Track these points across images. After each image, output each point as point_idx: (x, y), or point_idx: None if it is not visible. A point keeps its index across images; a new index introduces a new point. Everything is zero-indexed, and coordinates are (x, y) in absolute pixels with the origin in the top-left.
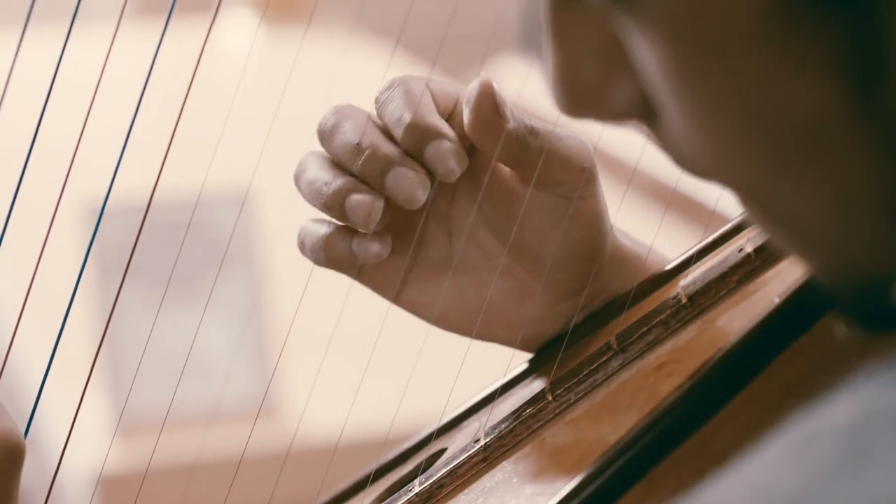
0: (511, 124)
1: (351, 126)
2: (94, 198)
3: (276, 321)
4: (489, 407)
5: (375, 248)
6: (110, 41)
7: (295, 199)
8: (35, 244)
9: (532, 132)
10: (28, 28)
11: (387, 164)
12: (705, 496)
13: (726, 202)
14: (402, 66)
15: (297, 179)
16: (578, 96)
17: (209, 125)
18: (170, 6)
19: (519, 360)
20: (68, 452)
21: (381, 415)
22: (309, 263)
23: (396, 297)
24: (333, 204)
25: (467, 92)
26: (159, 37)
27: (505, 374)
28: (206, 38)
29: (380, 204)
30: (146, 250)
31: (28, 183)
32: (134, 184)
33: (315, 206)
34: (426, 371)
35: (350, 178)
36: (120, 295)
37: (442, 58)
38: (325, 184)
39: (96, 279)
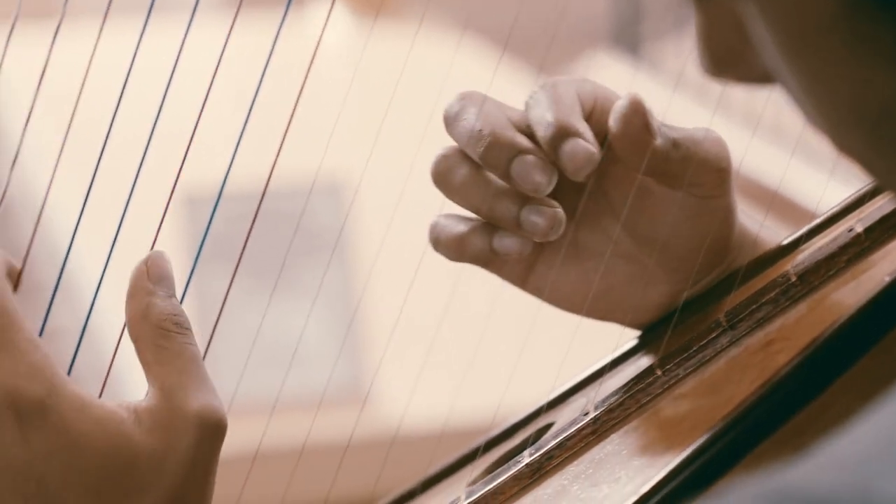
0: (658, 141)
1: (474, 112)
2: (193, 187)
3: (372, 309)
4: (598, 382)
5: (517, 245)
6: (226, 32)
7: (389, 188)
8: (136, 233)
9: (675, 145)
10: (149, 20)
11: (510, 152)
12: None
13: (827, 202)
14: (492, 60)
15: (437, 173)
16: (720, 60)
17: (307, 117)
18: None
19: (625, 337)
20: None
21: (477, 403)
22: (404, 252)
23: (523, 283)
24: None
25: (617, 103)
26: (261, 29)
27: (614, 350)
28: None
29: (563, 215)
30: (238, 238)
31: (130, 172)
32: (231, 174)
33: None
34: (520, 360)
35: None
36: (218, 283)
37: (533, 53)
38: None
39: (198, 267)
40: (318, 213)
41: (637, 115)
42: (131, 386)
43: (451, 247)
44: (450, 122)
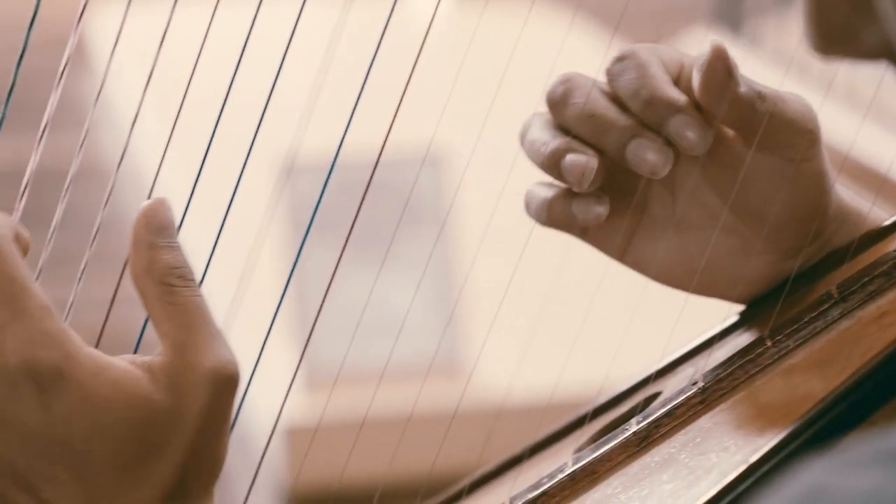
0: (742, 88)
1: (581, 96)
2: (297, 157)
3: (462, 281)
4: (706, 352)
5: (595, 210)
6: (301, 6)
7: (483, 160)
8: (240, 203)
9: (760, 96)
10: None
11: (625, 135)
12: None
13: None
14: (594, 37)
15: (521, 139)
16: (830, 36)
17: (413, 90)
18: None
19: (734, 308)
20: (256, 403)
21: (583, 374)
22: (495, 224)
23: (621, 256)
24: (550, 163)
25: (698, 56)
26: (371, 3)
27: (723, 321)
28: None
29: (594, 163)
30: (336, 208)
31: (226, 138)
32: (327, 142)
33: (535, 164)
34: (627, 330)
35: (567, 139)
36: (320, 253)
37: (635, 29)
38: (544, 143)
39: (288, 235)
40: (422, 185)
41: (719, 60)
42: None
43: (540, 212)
44: (555, 104)
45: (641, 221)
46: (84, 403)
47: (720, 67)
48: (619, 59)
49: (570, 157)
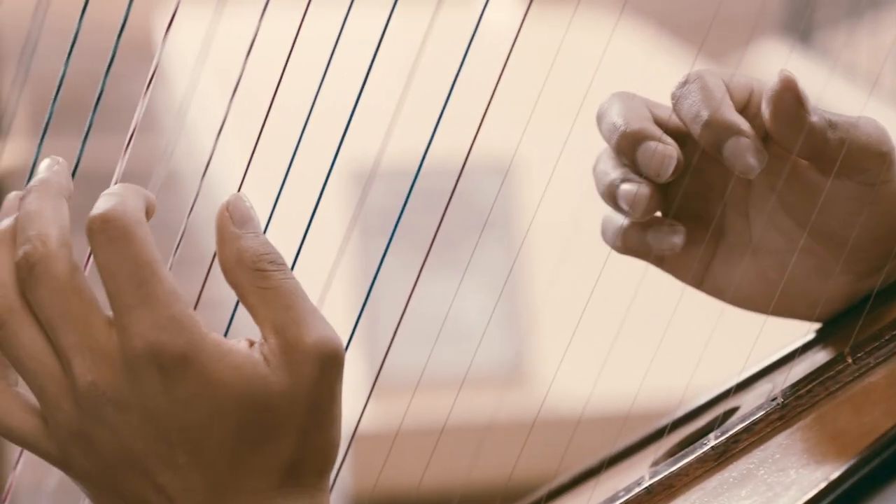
0: (813, 118)
1: (618, 110)
2: (361, 162)
3: (531, 290)
4: (786, 368)
5: (670, 241)
6: (388, 12)
7: (554, 171)
8: (300, 206)
9: (831, 125)
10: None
11: (639, 139)
12: None
13: None
14: (665, 48)
15: (593, 171)
16: None
17: (475, 97)
18: None
19: (813, 324)
20: None
21: (632, 387)
22: (565, 234)
23: (699, 284)
24: (609, 194)
25: (768, 86)
26: (430, 11)
27: (803, 336)
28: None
29: (645, 192)
30: (407, 215)
31: (294, 145)
32: (398, 150)
33: (601, 196)
34: (678, 345)
35: (625, 170)
36: (378, 258)
37: (698, 38)
38: (605, 174)
39: (359, 241)
40: (485, 191)
41: (788, 90)
42: None
43: (613, 239)
44: (598, 119)
45: (718, 249)
46: (206, 388)
47: (790, 98)
48: (684, 83)
49: (623, 186)
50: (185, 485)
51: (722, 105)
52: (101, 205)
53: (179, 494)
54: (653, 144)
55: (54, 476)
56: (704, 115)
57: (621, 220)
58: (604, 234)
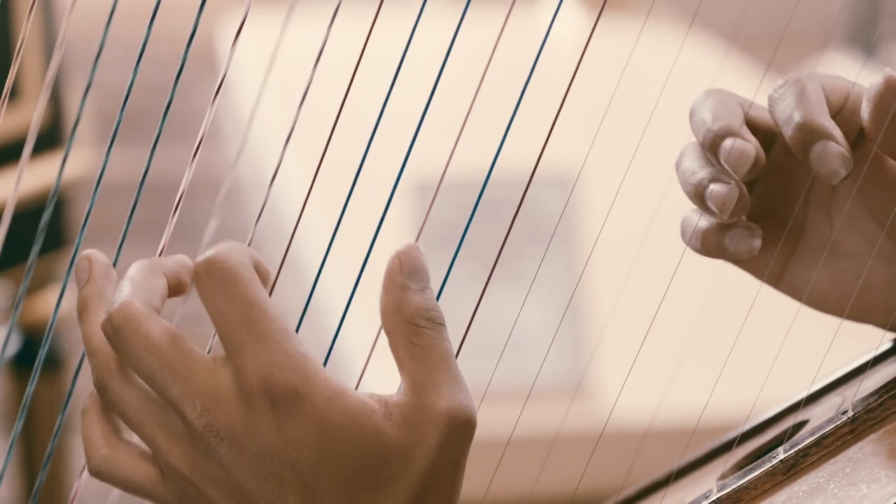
0: None
1: (710, 106)
2: (424, 173)
3: (594, 302)
4: (857, 380)
5: (749, 244)
6: (454, 24)
7: (615, 180)
8: (363, 217)
9: None
10: (381, 8)
11: (726, 133)
12: None
13: None
14: (733, 61)
15: (676, 167)
16: None
17: (537, 108)
18: None
19: (884, 336)
20: None
21: (699, 401)
22: (630, 246)
23: (776, 282)
24: (696, 193)
25: (870, 85)
26: (494, 22)
27: (875, 349)
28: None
29: (735, 193)
30: (472, 227)
31: (358, 156)
32: (459, 161)
33: (685, 193)
34: (746, 358)
35: (712, 169)
36: (441, 271)
37: (763, 50)
38: (692, 174)
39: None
40: (546, 203)
41: (891, 90)
42: (352, 363)
43: (695, 242)
44: (690, 115)
45: (797, 248)
46: (316, 427)
47: (892, 97)
48: (781, 86)
49: (712, 187)
50: None
51: (815, 108)
52: (207, 252)
53: None
54: (730, 140)
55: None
56: (797, 117)
57: (701, 223)
58: (683, 233)
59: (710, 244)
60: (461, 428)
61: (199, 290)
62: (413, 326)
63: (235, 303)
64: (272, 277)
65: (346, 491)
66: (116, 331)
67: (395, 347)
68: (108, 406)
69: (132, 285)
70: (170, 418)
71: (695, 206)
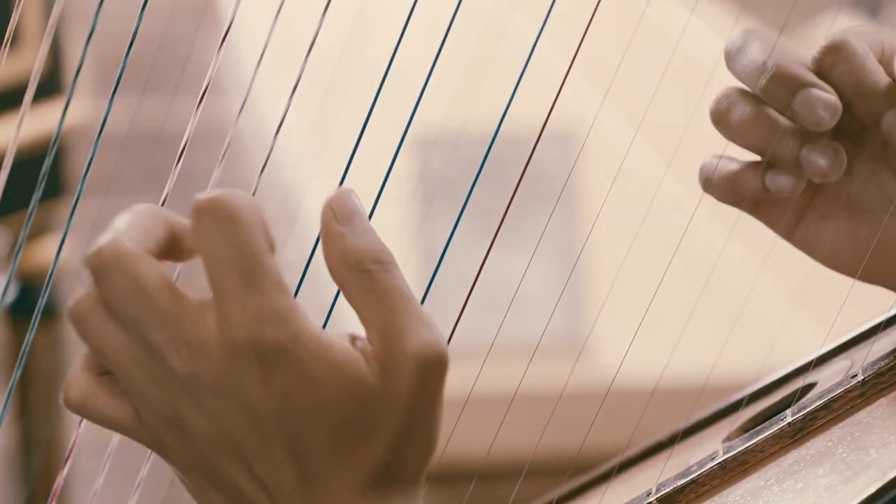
0: None
1: (758, 46)
2: (423, 128)
3: (596, 259)
4: (868, 343)
5: (791, 184)
6: None
7: (617, 139)
8: (365, 172)
9: None
10: None
11: (794, 85)
12: None
13: None
14: (720, 17)
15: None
16: None
17: (538, 62)
18: None
19: (894, 301)
20: None
21: (706, 361)
22: (627, 204)
23: (790, 234)
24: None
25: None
26: None
27: (888, 311)
28: None
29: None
30: (463, 182)
31: (360, 112)
32: (464, 118)
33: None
34: (755, 319)
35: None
36: (444, 225)
37: (769, 12)
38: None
39: (419, 208)
40: (547, 160)
41: None
42: (352, 319)
43: (723, 185)
44: (730, 56)
45: (814, 200)
46: (304, 383)
47: None
48: (831, 50)
49: (816, 92)
50: (279, 476)
51: (875, 75)
52: (214, 190)
53: (273, 485)
54: (815, 92)
55: (117, 436)
56: (861, 88)
57: (733, 166)
58: (707, 182)
59: (744, 187)
60: (434, 365)
61: (195, 226)
62: (362, 272)
63: (233, 248)
64: (275, 248)
65: (332, 442)
66: (102, 268)
67: (351, 297)
68: (86, 339)
69: (127, 224)
70: (152, 362)
71: (717, 154)
